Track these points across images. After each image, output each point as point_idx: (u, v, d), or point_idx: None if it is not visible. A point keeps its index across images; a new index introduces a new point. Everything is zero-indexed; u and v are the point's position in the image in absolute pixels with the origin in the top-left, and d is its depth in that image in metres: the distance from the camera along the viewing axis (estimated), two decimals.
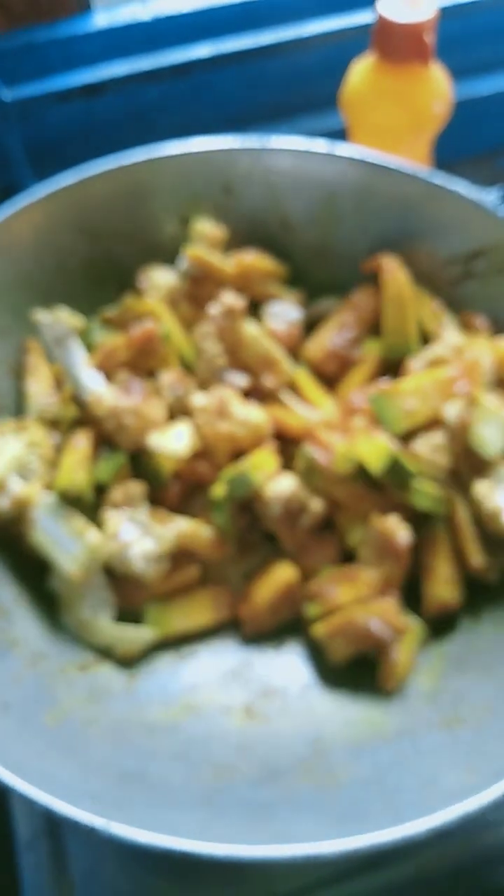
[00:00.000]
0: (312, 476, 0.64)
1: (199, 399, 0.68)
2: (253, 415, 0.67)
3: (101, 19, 0.93)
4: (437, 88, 0.80)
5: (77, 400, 0.67)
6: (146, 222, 0.78)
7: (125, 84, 0.90)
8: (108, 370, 0.69)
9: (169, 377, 0.70)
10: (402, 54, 0.76)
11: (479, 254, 0.74)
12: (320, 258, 0.81)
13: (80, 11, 0.93)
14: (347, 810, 0.48)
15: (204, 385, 0.71)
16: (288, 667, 0.65)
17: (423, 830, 0.43)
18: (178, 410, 0.69)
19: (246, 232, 0.80)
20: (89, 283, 0.77)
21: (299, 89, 0.99)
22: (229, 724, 0.60)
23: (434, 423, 0.66)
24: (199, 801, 0.50)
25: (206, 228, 0.77)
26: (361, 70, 0.82)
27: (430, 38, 0.75)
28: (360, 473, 0.63)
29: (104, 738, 0.55)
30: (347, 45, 0.87)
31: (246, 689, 0.63)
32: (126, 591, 0.63)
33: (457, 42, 0.90)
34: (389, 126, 0.82)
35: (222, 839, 0.44)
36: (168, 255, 0.79)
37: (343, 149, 0.77)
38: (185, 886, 0.64)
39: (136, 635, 0.62)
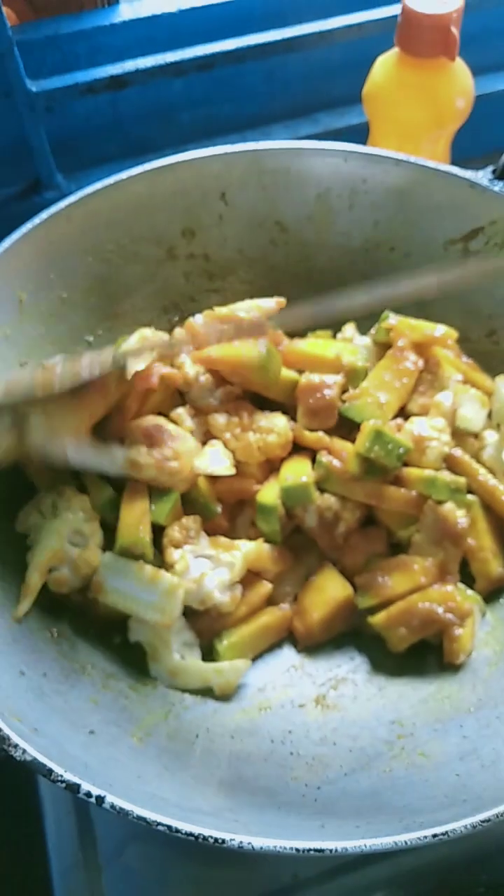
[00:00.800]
0: (330, 481, 0.63)
1: (220, 418, 0.66)
2: (276, 420, 0.66)
3: (127, 11, 0.89)
4: (461, 84, 0.78)
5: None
6: (149, 237, 0.76)
7: (150, 77, 0.87)
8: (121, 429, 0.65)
9: (186, 410, 0.68)
10: (428, 48, 0.73)
11: (477, 231, 0.74)
12: (319, 253, 0.80)
13: (106, 4, 0.89)
14: (456, 787, 0.47)
15: (200, 405, 0.68)
16: (349, 654, 0.64)
17: None
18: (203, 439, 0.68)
19: (244, 237, 0.79)
20: (95, 302, 0.75)
21: (322, 86, 0.96)
22: (306, 718, 0.59)
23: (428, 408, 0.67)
24: (304, 799, 0.49)
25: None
26: (384, 64, 0.79)
27: (456, 31, 0.72)
28: (370, 469, 0.62)
29: (192, 749, 0.54)
30: (371, 41, 0.84)
31: (312, 682, 0.62)
32: (204, 625, 0.61)
33: (477, 37, 0.87)
34: (411, 122, 0.79)
35: (344, 833, 0.43)
36: (171, 272, 0.77)
37: (332, 144, 0.76)
38: (209, 867, 0.63)
39: (232, 669, 0.59)
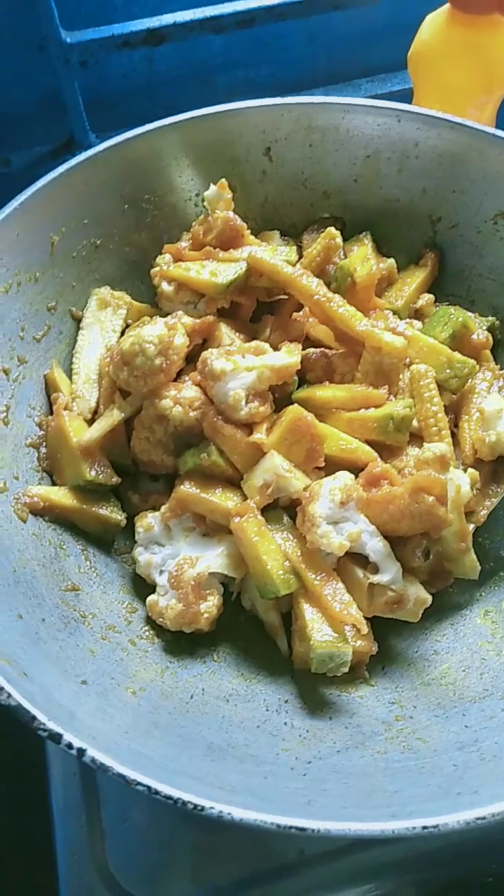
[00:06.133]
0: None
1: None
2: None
3: None
4: None
5: None
6: (187, 189, 0.71)
7: (188, 31, 0.82)
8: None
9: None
10: (481, 3, 0.67)
11: None
12: (361, 218, 0.74)
13: None
14: (452, 778, 0.43)
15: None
16: None
17: None
18: None
19: (285, 197, 0.74)
20: (129, 252, 0.71)
21: (364, 50, 0.90)
22: (304, 689, 0.55)
23: None
24: (293, 773, 0.45)
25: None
26: (433, 22, 0.73)
27: None
28: None
29: (185, 709, 0.51)
30: (419, 1, 0.77)
31: None
32: None
33: None
34: (458, 85, 0.73)
35: (330, 814, 0.39)
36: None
37: (385, 103, 0.70)
38: (214, 835, 0.61)
39: None
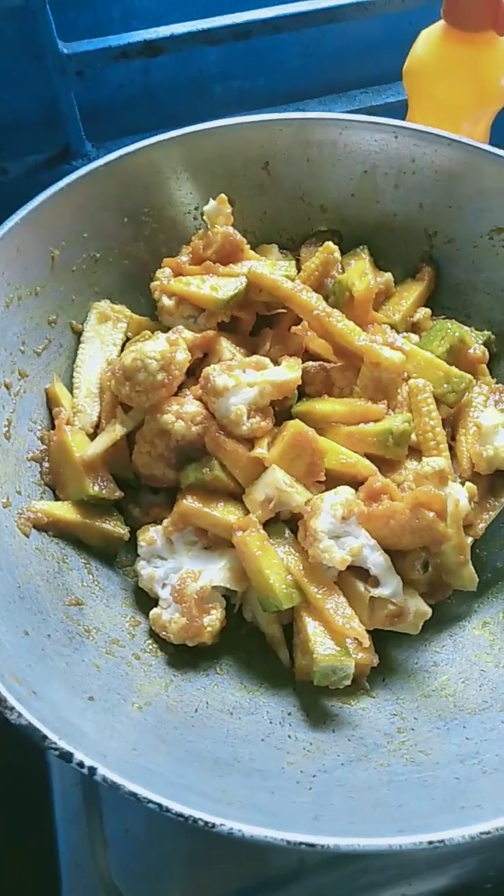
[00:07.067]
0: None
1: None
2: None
3: None
4: None
5: None
6: (186, 203, 0.72)
7: (184, 44, 0.82)
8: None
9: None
10: (475, 20, 0.68)
11: None
12: (358, 233, 0.75)
13: None
14: (455, 791, 0.44)
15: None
16: None
17: None
18: None
19: (283, 211, 0.74)
20: (128, 265, 0.71)
21: (360, 61, 0.90)
22: (306, 701, 0.56)
23: None
24: (299, 786, 0.46)
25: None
26: (428, 37, 0.74)
27: None
28: None
29: (190, 723, 0.51)
30: (414, 14, 0.79)
31: None
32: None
33: None
34: (452, 99, 0.74)
35: (338, 829, 0.40)
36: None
37: (383, 119, 0.71)
38: (217, 845, 0.61)
39: None
